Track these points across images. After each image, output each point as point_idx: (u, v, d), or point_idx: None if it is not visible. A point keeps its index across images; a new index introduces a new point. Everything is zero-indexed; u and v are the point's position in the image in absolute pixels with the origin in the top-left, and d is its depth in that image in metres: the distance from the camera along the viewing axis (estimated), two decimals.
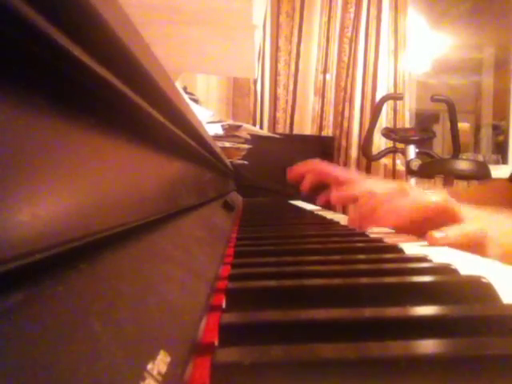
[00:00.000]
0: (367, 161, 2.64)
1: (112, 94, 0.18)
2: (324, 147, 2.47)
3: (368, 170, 2.67)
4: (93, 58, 0.15)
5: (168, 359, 0.14)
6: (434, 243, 0.46)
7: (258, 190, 1.67)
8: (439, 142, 3.20)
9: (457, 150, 2.45)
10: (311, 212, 0.93)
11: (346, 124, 2.68)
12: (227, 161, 0.92)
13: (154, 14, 0.78)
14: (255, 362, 0.16)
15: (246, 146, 1.24)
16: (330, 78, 2.70)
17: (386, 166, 2.69)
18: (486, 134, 3.29)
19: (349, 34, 2.68)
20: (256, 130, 1.68)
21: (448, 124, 2.47)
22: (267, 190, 1.71)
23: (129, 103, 0.20)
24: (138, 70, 0.19)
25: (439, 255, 0.38)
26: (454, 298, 0.25)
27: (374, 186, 0.84)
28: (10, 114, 0.11)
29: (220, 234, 0.45)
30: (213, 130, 1.06)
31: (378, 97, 2.56)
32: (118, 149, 0.21)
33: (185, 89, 1.29)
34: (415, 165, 2.33)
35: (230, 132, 1.16)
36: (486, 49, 3.30)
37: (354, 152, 2.66)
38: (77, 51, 0.13)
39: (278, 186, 1.66)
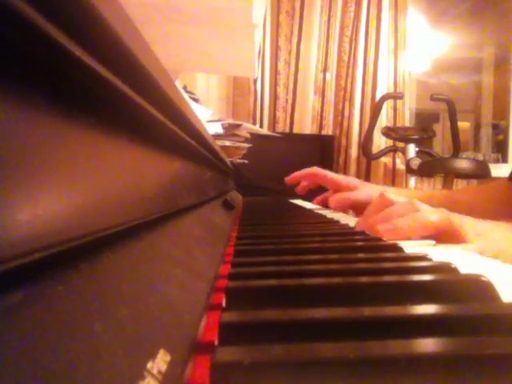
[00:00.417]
0: (367, 160, 2.64)
1: (112, 94, 0.18)
2: (324, 146, 2.47)
3: (368, 168, 2.67)
4: (93, 57, 0.15)
5: (168, 358, 0.14)
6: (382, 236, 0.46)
7: (258, 189, 1.67)
8: (439, 141, 3.20)
9: (457, 149, 2.45)
10: (311, 211, 0.93)
11: (345, 123, 2.68)
12: (227, 160, 0.92)
13: (153, 13, 0.78)
14: (255, 361, 0.16)
15: (246, 145, 1.24)
16: (330, 77, 2.70)
17: (385, 164, 2.69)
18: (486, 133, 3.29)
19: (349, 34, 2.68)
20: (256, 128, 1.68)
21: (448, 123, 2.48)
22: (267, 188, 1.71)
23: (129, 102, 0.20)
24: (138, 70, 0.19)
25: (439, 254, 0.38)
26: (454, 296, 0.25)
27: (372, 192, 0.84)
28: (10, 113, 0.11)
29: (220, 232, 0.45)
30: (213, 128, 1.06)
31: (378, 96, 2.56)
32: (118, 148, 0.21)
33: (185, 88, 1.29)
34: (415, 164, 2.33)
35: (230, 131, 1.16)
36: (485, 48, 3.30)
37: (353, 151, 2.66)
38: (77, 51, 0.13)
39: (278, 184, 1.66)
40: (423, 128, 2.55)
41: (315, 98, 2.69)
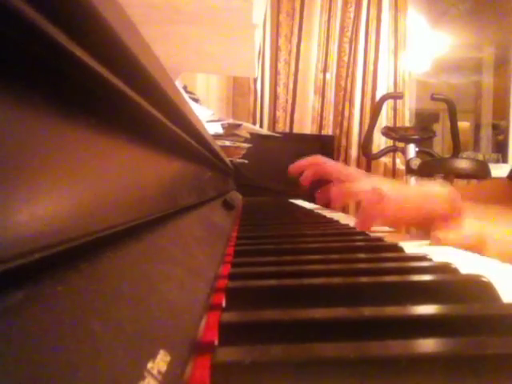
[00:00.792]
0: (367, 160, 2.64)
1: (112, 94, 0.18)
2: (324, 146, 2.47)
3: (368, 168, 2.66)
4: (93, 57, 0.15)
5: (168, 358, 0.14)
6: (436, 243, 0.46)
7: (258, 189, 1.67)
8: (439, 141, 3.20)
9: (457, 149, 2.45)
10: (311, 211, 0.93)
11: (345, 123, 2.68)
12: (227, 160, 0.92)
13: (153, 13, 0.78)
14: (255, 361, 0.16)
15: (246, 145, 1.24)
16: (330, 77, 2.70)
17: (385, 164, 2.69)
18: (486, 133, 3.29)
19: (349, 34, 2.68)
20: (256, 128, 1.68)
21: (448, 123, 2.47)
22: (267, 188, 1.71)
23: (129, 102, 0.20)
24: (138, 70, 0.19)
25: (439, 254, 0.38)
26: (454, 296, 0.25)
27: (376, 184, 0.84)
28: (10, 113, 0.11)
29: (220, 232, 0.45)
30: (213, 128, 1.06)
31: (378, 96, 2.56)
32: (118, 148, 0.21)
33: (185, 88, 1.29)
34: (415, 164, 2.33)
35: (230, 131, 1.16)
36: (485, 48, 3.30)
37: (353, 151, 2.66)
38: (77, 51, 0.13)
39: (278, 184, 1.66)
40: (423, 128, 2.55)
41: (315, 98, 2.69)
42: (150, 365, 0.13)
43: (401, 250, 0.39)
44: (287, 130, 2.67)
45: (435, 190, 0.48)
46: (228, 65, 1.20)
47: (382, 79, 2.66)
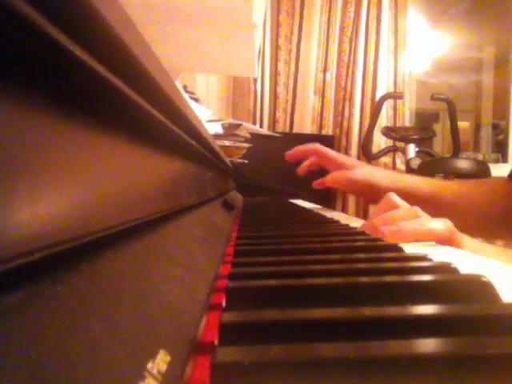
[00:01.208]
0: (367, 160, 2.64)
1: (112, 94, 0.18)
2: (324, 146, 2.47)
3: None
4: (93, 57, 0.15)
5: (168, 358, 0.14)
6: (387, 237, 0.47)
7: (258, 189, 1.67)
8: (439, 141, 3.20)
9: (457, 149, 2.45)
10: (311, 211, 0.93)
11: (345, 123, 2.68)
12: (227, 160, 0.92)
13: (153, 13, 0.78)
14: (255, 361, 0.16)
15: (246, 145, 1.24)
16: (330, 77, 2.69)
17: (385, 164, 2.69)
18: (486, 132, 3.29)
19: (349, 34, 2.68)
20: (256, 128, 1.68)
21: (448, 123, 2.47)
22: (267, 188, 1.71)
23: (129, 102, 0.20)
24: (138, 70, 0.19)
25: (439, 254, 0.38)
26: (454, 297, 0.25)
27: (367, 173, 0.84)
28: (10, 113, 0.11)
29: (220, 233, 0.45)
30: (213, 128, 1.06)
31: (378, 96, 2.56)
32: (118, 148, 0.21)
33: (185, 88, 1.29)
34: (415, 164, 2.32)
35: (230, 131, 1.16)
36: (485, 48, 3.30)
37: (354, 151, 2.66)
38: (78, 51, 0.13)
39: (278, 184, 1.66)
40: (423, 128, 2.55)
41: (315, 97, 2.69)
42: (149, 365, 0.13)
43: (401, 250, 0.39)
44: (287, 129, 2.67)
45: (435, 226, 0.49)
46: (228, 65, 1.20)
47: (382, 79, 2.66)
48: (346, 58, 2.69)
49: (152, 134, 0.27)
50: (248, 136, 1.27)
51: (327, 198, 2.35)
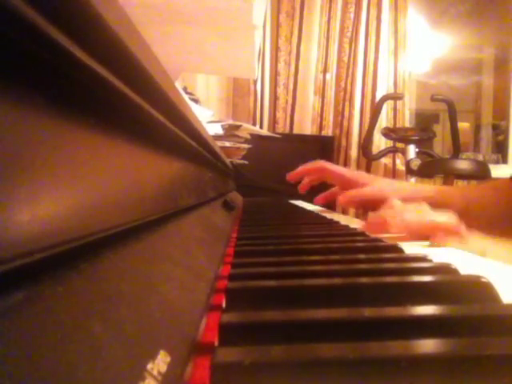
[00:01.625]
0: (367, 160, 2.64)
1: (112, 94, 0.18)
2: (324, 147, 2.47)
3: (368, 169, 2.66)
4: (93, 58, 0.15)
5: (168, 359, 0.14)
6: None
7: (258, 190, 1.67)
8: (439, 142, 3.20)
9: (457, 150, 2.45)
10: (311, 212, 0.93)
11: (345, 124, 2.68)
12: (227, 160, 0.92)
13: (153, 13, 0.78)
14: (255, 361, 0.16)
15: (246, 146, 1.24)
16: (330, 77, 2.70)
17: (385, 165, 2.69)
18: (486, 133, 3.29)
19: (349, 34, 2.68)
20: (256, 129, 1.68)
21: (448, 124, 2.47)
22: (267, 189, 1.71)
23: (129, 103, 0.20)
24: (138, 70, 0.19)
25: (439, 255, 0.38)
26: (454, 297, 0.25)
27: (385, 187, 0.80)
28: (10, 113, 0.11)
29: (220, 233, 0.45)
30: (213, 129, 1.07)
31: (378, 96, 2.56)
32: (119, 149, 0.21)
33: (185, 89, 1.29)
34: (415, 164, 2.32)
35: (230, 132, 1.16)
36: (485, 49, 3.30)
37: (353, 152, 2.66)
38: (77, 51, 0.13)
39: (279, 185, 1.66)
40: (423, 129, 2.54)
41: (315, 98, 2.69)
42: (149, 365, 0.13)
43: (401, 250, 0.39)
44: (287, 130, 2.67)
45: (442, 220, 0.49)
46: (228, 66, 1.20)
47: (382, 80, 2.66)
48: (345, 59, 2.69)
49: (152, 135, 0.27)
50: (248, 137, 1.27)
51: None
